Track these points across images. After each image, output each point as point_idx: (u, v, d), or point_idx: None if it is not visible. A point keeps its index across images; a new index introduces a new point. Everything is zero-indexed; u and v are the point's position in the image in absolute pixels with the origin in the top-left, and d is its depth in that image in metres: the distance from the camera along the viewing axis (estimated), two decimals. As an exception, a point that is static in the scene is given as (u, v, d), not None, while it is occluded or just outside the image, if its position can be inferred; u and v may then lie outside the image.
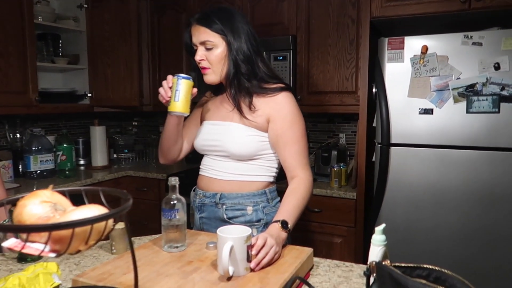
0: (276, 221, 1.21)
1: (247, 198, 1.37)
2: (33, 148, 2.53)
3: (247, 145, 1.34)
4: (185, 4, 2.92)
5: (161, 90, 1.34)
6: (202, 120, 1.51)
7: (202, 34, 1.31)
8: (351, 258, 2.21)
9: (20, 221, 0.68)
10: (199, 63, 1.34)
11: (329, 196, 2.28)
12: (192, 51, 1.38)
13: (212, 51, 1.31)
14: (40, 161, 2.54)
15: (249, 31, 1.34)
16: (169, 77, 1.34)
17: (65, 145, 2.64)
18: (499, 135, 1.80)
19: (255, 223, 1.36)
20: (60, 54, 2.91)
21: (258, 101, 1.34)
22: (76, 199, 0.77)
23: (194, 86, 1.32)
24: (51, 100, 2.72)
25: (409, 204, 1.98)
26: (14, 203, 0.72)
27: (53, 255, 0.64)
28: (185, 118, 1.44)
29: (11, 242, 0.64)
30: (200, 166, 1.49)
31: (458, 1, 1.91)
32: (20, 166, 2.62)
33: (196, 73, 1.43)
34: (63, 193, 0.78)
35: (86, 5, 2.88)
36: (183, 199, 1.17)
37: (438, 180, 1.92)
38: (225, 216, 1.37)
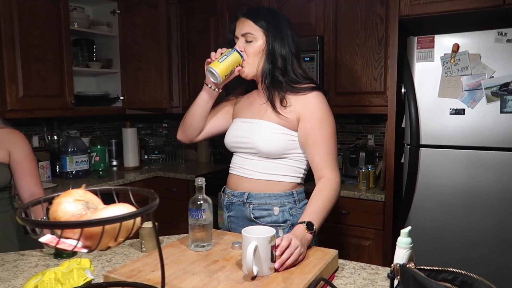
0: (301, 222, 1.21)
1: (274, 199, 1.38)
2: (69, 150, 2.64)
3: (276, 142, 1.35)
4: (214, 8, 2.96)
5: (212, 53, 1.39)
6: (233, 118, 1.53)
7: (245, 27, 1.36)
8: (379, 261, 2.18)
9: (55, 218, 0.72)
10: None
11: (356, 198, 2.25)
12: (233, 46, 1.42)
13: (252, 43, 1.35)
14: (76, 162, 2.65)
15: (290, 33, 1.38)
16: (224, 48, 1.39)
17: (98, 147, 2.74)
18: (536, 135, 1.73)
19: (281, 224, 1.37)
20: (94, 58, 3.02)
21: (289, 98, 1.36)
22: (107, 198, 0.81)
23: (240, 66, 1.36)
24: (85, 103, 2.83)
25: (439, 207, 1.93)
26: (50, 201, 0.77)
27: (85, 250, 0.68)
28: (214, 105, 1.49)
29: (47, 238, 0.69)
30: (230, 165, 1.51)
31: (491, -3, 1.85)
32: (57, 166, 2.74)
33: None
34: (95, 192, 0.82)
35: (118, 11, 2.99)
36: (209, 199, 1.19)
37: (469, 183, 1.86)
38: (252, 215, 1.39)
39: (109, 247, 0.69)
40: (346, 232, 2.31)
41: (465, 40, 1.84)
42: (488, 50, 1.80)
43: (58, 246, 0.66)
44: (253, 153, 1.40)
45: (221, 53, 1.36)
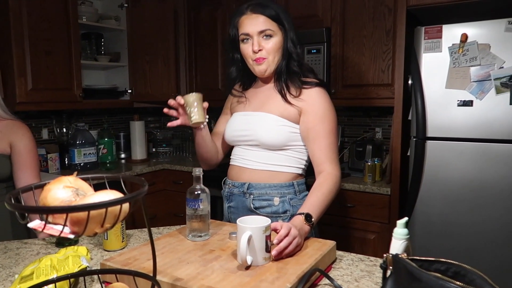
0: (300, 214, 1.21)
1: (274, 189, 1.38)
2: (77, 142, 2.68)
3: (278, 134, 1.35)
4: (220, 1, 2.95)
5: (174, 106, 1.34)
6: (232, 113, 1.53)
7: (261, 23, 1.33)
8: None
9: (45, 204, 0.72)
10: (255, 52, 1.34)
11: (362, 191, 2.23)
12: (237, 44, 1.40)
13: (271, 39, 1.34)
14: (84, 154, 2.68)
15: (293, 24, 1.39)
16: (178, 98, 1.34)
17: (106, 139, 2.77)
18: (546, 127, 1.68)
19: (281, 214, 1.37)
20: (103, 52, 3.05)
21: (298, 90, 1.37)
22: (102, 187, 0.81)
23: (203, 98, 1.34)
24: (94, 96, 2.86)
25: (445, 201, 1.90)
26: (42, 188, 0.78)
27: (72, 236, 0.68)
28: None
29: (36, 223, 0.69)
30: (231, 157, 1.51)
31: (502, -15, 1.80)
32: (66, 158, 2.78)
33: (235, 66, 1.46)
34: (87, 179, 0.82)
35: (126, 4, 3.00)
36: (207, 189, 1.19)
37: (477, 176, 1.82)
38: (252, 206, 1.39)
39: (96, 233, 0.69)
40: (351, 225, 2.29)
41: (474, 30, 1.79)
42: (498, 40, 1.75)
43: (45, 231, 0.67)
44: (255, 145, 1.40)
45: (182, 106, 1.32)
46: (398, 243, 0.92)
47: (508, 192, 1.77)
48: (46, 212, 0.65)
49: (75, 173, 0.81)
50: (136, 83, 3.07)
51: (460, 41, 1.81)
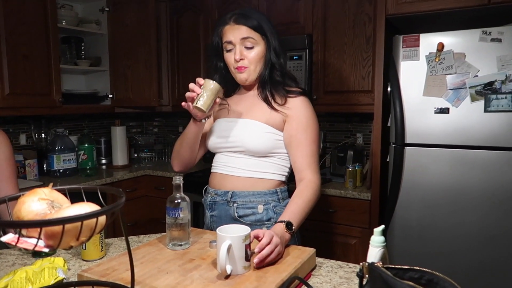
0: (281, 221, 1.21)
1: (258, 197, 1.38)
2: (57, 148, 2.63)
3: (264, 141, 1.36)
4: (203, 5, 2.95)
5: (192, 87, 1.31)
6: (214, 119, 1.53)
7: (243, 32, 1.34)
8: (365, 260, 2.18)
9: (19, 217, 0.71)
10: (237, 61, 1.36)
11: (343, 197, 2.26)
12: (220, 52, 1.41)
13: (253, 49, 1.35)
14: (63, 160, 2.64)
15: (276, 31, 1.40)
16: (199, 78, 1.33)
17: (86, 145, 2.73)
18: (519, 134, 1.73)
19: (265, 222, 1.37)
20: (83, 56, 3.01)
21: (283, 98, 1.38)
22: (79, 197, 0.80)
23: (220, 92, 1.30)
24: (74, 101, 2.82)
25: (424, 206, 1.94)
26: (16, 200, 0.76)
27: (46, 250, 0.67)
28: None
29: (9, 237, 0.68)
30: (213, 164, 1.50)
31: (477, -4, 1.85)
32: (44, 165, 2.72)
33: (218, 74, 1.46)
34: (63, 191, 0.81)
35: (107, 9, 2.97)
36: (187, 198, 1.19)
37: (454, 181, 1.86)
38: (236, 214, 1.39)
39: (71, 247, 0.68)
40: (333, 230, 2.31)
41: (450, 39, 1.84)
42: (473, 49, 1.80)
43: (19, 245, 0.66)
44: (239, 151, 1.40)
45: (201, 87, 1.28)
46: (375, 250, 0.94)
47: (484, 196, 1.82)
48: (19, 226, 0.64)
49: (51, 184, 0.80)
50: (117, 88, 3.04)
51: (437, 50, 1.86)
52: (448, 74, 1.84)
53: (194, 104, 1.28)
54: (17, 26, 2.37)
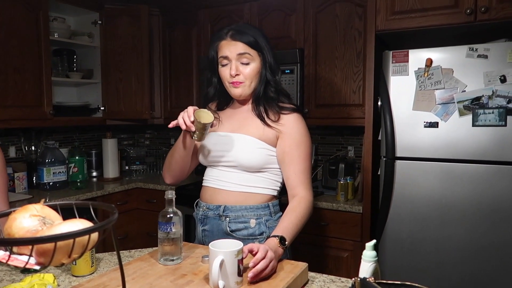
0: (274, 236, 1.22)
1: (250, 211, 1.38)
2: (47, 160, 2.61)
3: (256, 156, 1.37)
4: (195, 19, 2.98)
5: (185, 116, 1.27)
6: None
7: (239, 48, 1.35)
8: (357, 273, 2.18)
9: (10, 234, 0.71)
10: (233, 76, 1.36)
11: (335, 210, 2.26)
12: (215, 67, 1.42)
13: (249, 65, 1.36)
14: (53, 173, 2.61)
15: (271, 47, 1.42)
16: (190, 110, 1.28)
17: (77, 157, 2.71)
18: (506, 148, 1.76)
19: (258, 236, 1.38)
20: (75, 69, 3.00)
21: (277, 114, 1.39)
22: (71, 213, 0.80)
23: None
24: (65, 113, 2.80)
25: (414, 219, 1.95)
26: (7, 216, 0.76)
27: (37, 267, 0.67)
28: None
29: (-1, 254, 0.67)
30: (204, 178, 1.50)
31: (463, 14, 1.90)
32: (34, 177, 2.69)
33: (213, 87, 1.48)
34: (55, 207, 0.81)
35: (100, 22, 2.98)
36: (179, 212, 1.18)
37: (443, 194, 1.89)
38: (228, 229, 1.38)
39: (63, 264, 0.68)
40: (325, 243, 2.31)
41: (438, 55, 1.88)
42: (460, 65, 1.84)
43: (10, 262, 0.65)
44: (232, 166, 1.40)
45: (192, 122, 1.26)
46: (367, 265, 0.95)
47: (472, 209, 1.84)
48: (10, 244, 0.63)
49: (42, 200, 0.79)
50: (109, 100, 3.03)
51: (425, 65, 1.89)
52: (436, 89, 1.88)
53: (192, 139, 1.30)
54: (9, 38, 2.37)
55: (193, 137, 1.28)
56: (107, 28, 2.98)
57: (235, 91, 1.39)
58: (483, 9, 1.85)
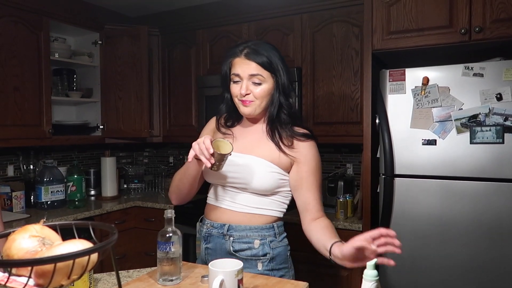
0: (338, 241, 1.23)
1: (255, 231, 1.37)
2: (45, 179, 2.60)
3: (269, 180, 1.35)
4: (194, 38, 3.02)
5: (202, 148, 1.20)
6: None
7: (252, 68, 1.32)
8: (359, 292, 2.15)
9: (9, 255, 0.70)
10: (243, 95, 1.34)
11: (335, 228, 2.24)
12: (228, 83, 1.40)
13: (261, 85, 1.33)
14: (51, 192, 2.60)
15: (286, 67, 1.39)
16: (207, 143, 1.20)
17: (75, 176, 2.70)
18: (504, 165, 1.77)
19: (261, 257, 1.36)
20: (75, 88, 3.02)
21: (291, 140, 1.38)
22: (70, 233, 0.80)
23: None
24: (64, 132, 2.81)
25: (414, 236, 1.94)
26: (6, 237, 0.75)
27: (36, 289, 0.66)
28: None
29: (-2, 276, 0.67)
30: (209, 195, 1.48)
31: (458, 33, 1.93)
32: (32, 196, 2.68)
33: (225, 104, 1.46)
34: (54, 227, 0.80)
35: (100, 42, 3.02)
36: (178, 231, 1.18)
37: (443, 212, 1.88)
38: (231, 248, 1.37)
39: (62, 285, 0.67)
40: (324, 262, 2.26)
41: (435, 74, 1.91)
42: (457, 84, 1.87)
43: (8, 284, 0.65)
44: (241, 188, 1.38)
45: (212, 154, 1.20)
46: (368, 284, 0.94)
47: (472, 226, 1.83)
48: (9, 266, 0.63)
49: (42, 221, 0.79)
50: (108, 119, 3.04)
51: (422, 84, 1.92)
52: (433, 107, 1.90)
53: (212, 169, 1.23)
54: (10, 58, 2.40)
55: (212, 168, 1.22)
56: (107, 48, 3.02)
57: (245, 110, 1.37)
58: (477, 29, 1.89)
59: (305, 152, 1.37)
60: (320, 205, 1.37)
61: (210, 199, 1.47)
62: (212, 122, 1.54)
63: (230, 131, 1.46)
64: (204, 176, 1.45)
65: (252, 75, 1.33)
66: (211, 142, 1.20)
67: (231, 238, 1.37)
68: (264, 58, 1.33)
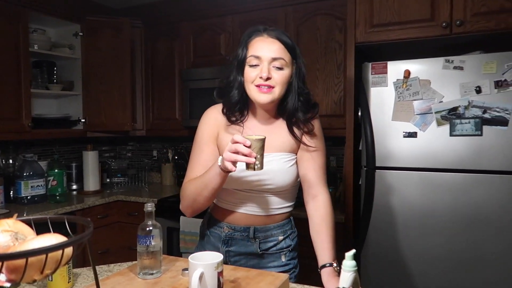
0: (328, 265, 1.28)
1: (278, 229, 1.37)
2: (25, 174, 2.55)
3: (292, 176, 1.32)
4: (178, 31, 2.99)
5: (241, 148, 1.08)
6: (221, 150, 1.33)
7: (277, 50, 1.22)
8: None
9: (-20, 250, 0.68)
10: (264, 79, 1.20)
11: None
12: (243, 66, 1.26)
13: (282, 70, 1.22)
14: (31, 187, 2.55)
15: (304, 61, 1.32)
16: (240, 138, 1.09)
17: (56, 170, 2.66)
18: (482, 157, 1.81)
19: (284, 249, 1.39)
20: (55, 81, 2.96)
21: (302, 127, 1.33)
22: (48, 228, 0.78)
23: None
24: (45, 126, 2.76)
25: (395, 227, 1.97)
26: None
27: (8, 284, 0.65)
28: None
29: (-31, 272, 0.65)
30: (222, 198, 1.37)
31: (439, 27, 1.96)
32: (11, 191, 2.63)
33: (238, 90, 1.28)
34: (28, 221, 0.79)
35: (81, 33, 2.96)
36: (159, 224, 1.17)
37: (423, 203, 1.91)
38: (259, 250, 1.35)
39: (35, 280, 0.66)
40: (306, 254, 2.28)
41: (416, 67, 1.93)
42: (437, 76, 1.89)
43: (-21, 280, 0.63)
44: (264, 191, 1.30)
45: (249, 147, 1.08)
46: (346, 275, 0.95)
47: (451, 217, 1.87)
48: (-22, 260, 0.61)
49: (15, 215, 0.77)
50: (90, 112, 2.99)
51: (404, 76, 1.94)
52: (415, 100, 1.92)
53: (253, 170, 1.09)
54: (-14, 50, 2.33)
55: (255, 168, 1.08)
56: (89, 40, 2.96)
57: (262, 97, 1.22)
58: (458, 22, 1.91)
59: (315, 128, 1.34)
60: (319, 176, 1.33)
61: (224, 203, 1.36)
62: (212, 118, 1.36)
63: (242, 125, 1.33)
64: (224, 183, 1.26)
65: (274, 59, 1.21)
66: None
67: (257, 240, 1.35)
68: (288, 39, 1.25)
